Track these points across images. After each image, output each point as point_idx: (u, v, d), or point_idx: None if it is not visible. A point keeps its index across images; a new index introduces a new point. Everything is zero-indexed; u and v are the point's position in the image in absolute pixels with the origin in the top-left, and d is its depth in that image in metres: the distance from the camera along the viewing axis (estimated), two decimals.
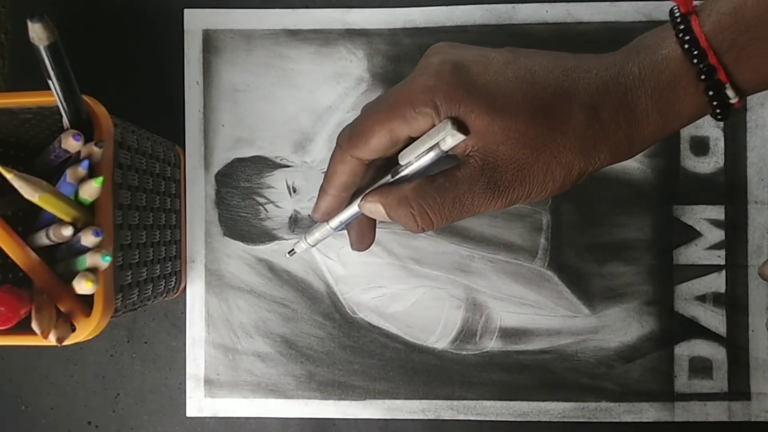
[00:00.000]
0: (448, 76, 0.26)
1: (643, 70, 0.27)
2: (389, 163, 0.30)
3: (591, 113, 0.26)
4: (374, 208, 0.29)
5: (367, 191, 0.29)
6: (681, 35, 0.26)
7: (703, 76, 0.26)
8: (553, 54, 0.28)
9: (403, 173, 0.28)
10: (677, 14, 0.26)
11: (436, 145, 0.26)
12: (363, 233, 0.33)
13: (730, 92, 0.26)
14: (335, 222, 0.31)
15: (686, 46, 0.26)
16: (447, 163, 0.28)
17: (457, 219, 0.28)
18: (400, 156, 0.28)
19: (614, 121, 0.26)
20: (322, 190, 0.31)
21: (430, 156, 0.27)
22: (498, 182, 0.27)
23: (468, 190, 0.27)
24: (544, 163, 0.27)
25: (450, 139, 0.26)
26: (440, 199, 0.27)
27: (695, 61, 0.25)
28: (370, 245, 0.34)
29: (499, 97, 0.26)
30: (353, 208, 0.30)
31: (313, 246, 0.34)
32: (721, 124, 0.48)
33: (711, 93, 0.26)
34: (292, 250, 0.34)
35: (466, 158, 0.27)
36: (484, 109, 0.26)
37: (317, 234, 0.32)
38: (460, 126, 0.26)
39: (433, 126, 0.27)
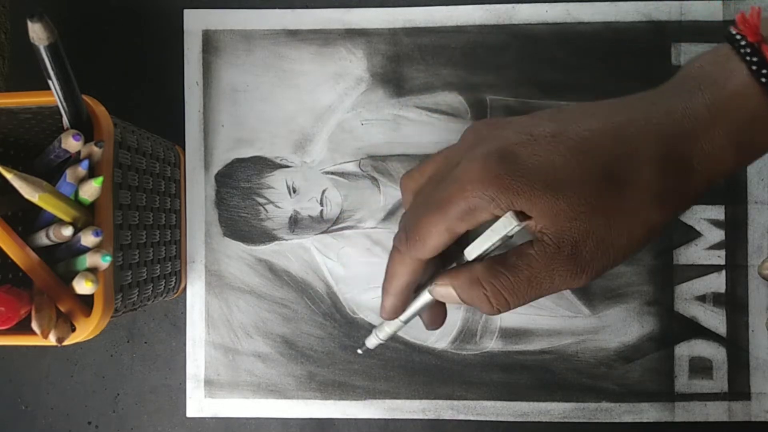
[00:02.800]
0: (497, 168, 0.25)
1: (714, 110, 0.25)
2: (447, 251, 0.29)
3: (660, 166, 0.25)
4: (445, 291, 0.28)
5: (437, 276, 0.28)
6: (755, 67, 0.24)
7: None
8: (600, 110, 0.26)
9: (467, 256, 0.27)
10: (743, 43, 0.25)
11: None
12: (436, 314, 0.32)
13: None
14: (405, 317, 0.31)
15: (764, 79, 0.24)
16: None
17: (536, 298, 0.27)
18: (466, 252, 0.27)
19: (687, 170, 0.25)
20: (385, 291, 0.30)
21: (493, 241, 0.26)
22: (578, 258, 0.25)
23: (545, 268, 0.25)
24: (623, 229, 0.25)
25: (511, 225, 0.25)
26: (514, 279, 0.26)
27: None
28: (444, 323, 0.33)
29: (556, 176, 0.24)
30: (423, 299, 0.29)
31: (384, 341, 0.33)
32: None
33: None
34: (364, 346, 0.34)
35: (539, 234, 0.25)
36: (544, 190, 0.24)
37: (388, 329, 0.32)
38: (523, 216, 0.25)
39: (493, 217, 0.25)
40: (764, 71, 0.24)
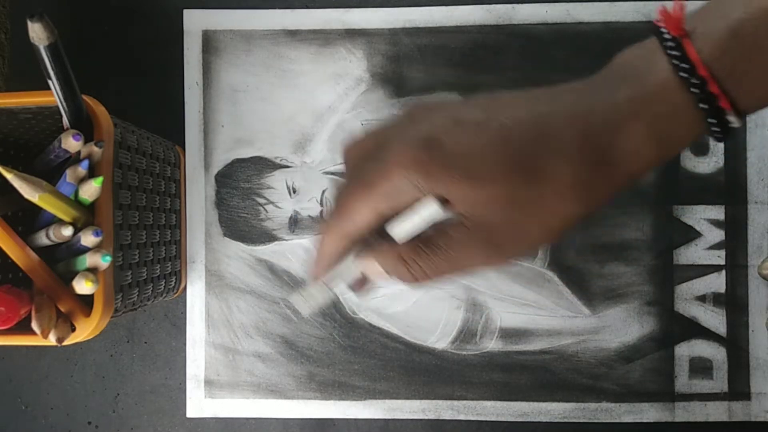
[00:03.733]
0: (421, 154, 0.26)
1: (634, 104, 0.25)
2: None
3: (578, 160, 0.25)
4: (371, 267, 0.29)
5: (362, 249, 0.30)
6: (676, 62, 0.24)
7: (703, 105, 0.24)
8: (527, 99, 0.27)
9: (391, 234, 0.29)
10: (667, 36, 0.25)
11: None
12: (362, 281, 0.33)
13: (731, 117, 0.24)
14: (332, 283, 0.31)
15: (683, 74, 0.24)
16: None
17: (455, 276, 0.28)
18: (388, 229, 0.28)
19: (606, 162, 0.25)
20: (314, 260, 0.31)
21: (419, 227, 0.27)
22: (493, 241, 0.26)
23: (461, 249, 0.27)
24: (538, 219, 0.26)
25: (436, 215, 0.26)
26: (434, 257, 0.27)
27: (694, 90, 0.24)
28: (370, 289, 0.34)
29: (476, 164, 0.25)
30: (344, 265, 0.31)
31: (314, 308, 0.34)
32: None
33: (712, 120, 0.24)
34: (299, 313, 0.34)
35: (458, 217, 0.26)
36: (463, 179, 0.25)
37: (317, 294, 0.32)
38: (444, 200, 0.26)
39: (416, 200, 0.27)
40: (684, 66, 0.24)
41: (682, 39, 0.24)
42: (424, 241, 0.28)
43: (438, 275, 0.28)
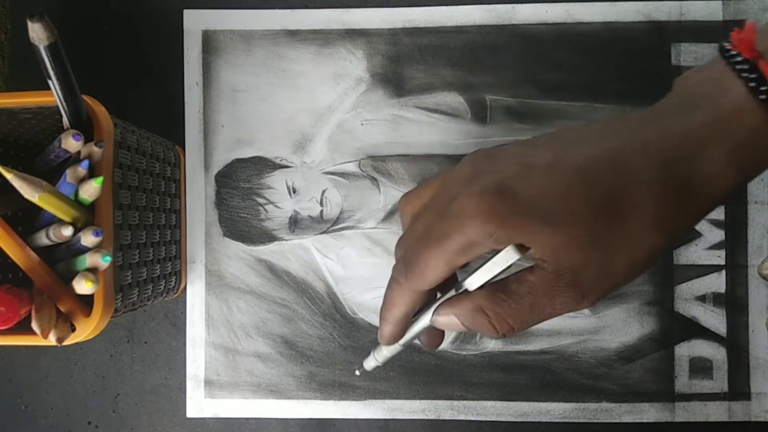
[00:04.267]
0: (495, 204, 0.25)
1: (711, 130, 0.24)
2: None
3: (659, 192, 0.24)
4: (448, 320, 0.29)
5: (438, 304, 0.29)
6: (753, 84, 0.24)
7: None
8: (595, 135, 0.26)
9: (467, 287, 0.28)
10: (739, 59, 0.24)
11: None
12: (435, 336, 0.33)
13: None
14: (404, 341, 0.31)
15: (762, 96, 0.23)
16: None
17: (539, 322, 0.27)
18: (467, 284, 0.28)
19: (688, 191, 0.24)
20: (384, 319, 0.30)
21: (495, 275, 0.27)
22: (579, 283, 0.25)
23: (545, 295, 0.26)
24: (624, 255, 0.25)
25: (512, 258, 0.26)
26: (516, 305, 0.26)
27: None
28: (441, 343, 0.33)
29: (554, 208, 0.24)
30: (421, 325, 0.30)
31: (381, 364, 0.34)
32: None
33: None
34: (362, 368, 0.34)
35: (539, 262, 0.25)
36: (542, 224, 0.24)
37: (387, 353, 0.32)
38: (523, 247, 0.25)
39: (492, 250, 0.26)
40: (763, 88, 0.24)
41: (758, 61, 0.24)
42: (502, 289, 0.27)
43: (521, 325, 0.27)
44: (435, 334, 0.32)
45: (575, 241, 0.24)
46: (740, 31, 0.25)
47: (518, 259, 0.25)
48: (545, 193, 0.25)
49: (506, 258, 0.26)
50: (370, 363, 0.33)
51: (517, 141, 0.28)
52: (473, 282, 0.27)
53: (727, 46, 0.25)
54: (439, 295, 0.30)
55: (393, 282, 0.29)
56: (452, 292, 0.28)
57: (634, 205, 0.24)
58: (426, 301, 0.30)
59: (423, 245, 0.27)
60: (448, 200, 0.27)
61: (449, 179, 0.28)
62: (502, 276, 0.27)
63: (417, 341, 0.32)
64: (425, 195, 0.29)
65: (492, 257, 0.26)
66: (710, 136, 0.24)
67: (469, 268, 0.28)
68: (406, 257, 0.28)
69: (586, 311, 0.49)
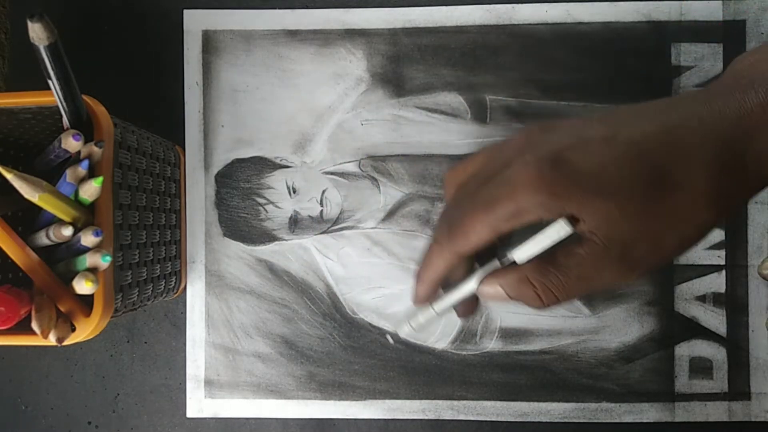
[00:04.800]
0: (550, 174, 0.25)
1: (766, 111, 0.24)
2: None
3: (714, 169, 0.25)
4: (494, 290, 0.29)
5: (483, 273, 0.29)
6: None
7: None
8: (651, 111, 0.26)
9: (515, 258, 0.28)
10: None
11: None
12: (470, 305, 0.33)
13: None
14: (440, 307, 0.31)
15: None
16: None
17: (585, 294, 0.27)
18: (516, 256, 0.28)
19: (741, 168, 0.25)
20: (420, 279, 0.31)
21: (545, 248, 0.27)
22: (628, 256, 0.26)
23: (593, 267, 0.26)
24: (675, 230, 0.25)
25: (564, 234, 0.26)
26: (564, 278, 0.26)
27: None
28: (476, 310, 0.34)
29: (609, 180, 0.25)
30: (464, 291, 0.30)
31: (416, 330, 0.33)
32: None
33: None
34: (396, 335, 0.34)
35: (589, 235, 0.26)
36: (596, 196, 0.25)
37: (421, 318, 0.32)
38: (574, 219, 0.25)
39: (541, 219, 0.26)
40: None
41: None
42: (550, 261, 0.27)
43: (568, 297, 0.27)
44: (471, 303, 0.32)
45: (627, 213, 0.25)
46: None
47: (567, 230, 0.25)
48: (600, 165, 0.25)
49: (558, 230, 0.26)
50: (405, 329, 0.33)
51: (575, 118, 0.28)
52: (521, 254, 0.27)
53: None
54: (477, 265, 0.30)
55: (434, 242, 0.29)
56: (496, 263, 0.28)
57: (688, 180, 0.25)
58: (464, 267, 0.30)
59: (469, 208, 0.27)
60: (500, 167, 0.27)
61: (501, 149, 0.28)
62: (548, 250, 0.27)
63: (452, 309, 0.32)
64: (471, 167, 0.29)
65: (541, 230, 0.26)
66: (764, 116, 0.25)
67: (509, 240, 0.28)
68: (451, 219, 0.28)
69: (586, 311, 0.49)
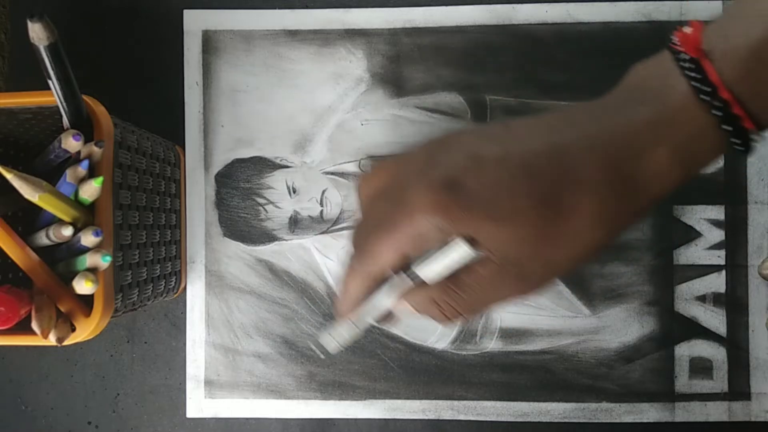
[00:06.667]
0: (444, 198, 0.25)
1: (655, 128, 0.25)
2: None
3: (602, 191, 0.25)
4: (405, 308, 0.30)
5: (394, 293, 0.30)
6: (696, 84, 0.24)
7: (726, 126, 0.24)
8: (544, 129, 0.27)
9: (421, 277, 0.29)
10: (685, 57, 0.24)
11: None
12: (389, 318, 0.33)
13: (755, 135, 0.24)
14: (362, 325, 0.32)
15: (704, 96, 0.24)
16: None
17: (488, 310, 0.28)
18: (417, 271, 0.29)
19: (630, 189, 0.25)
20: (341, 299, 0.31)
21: (450, 269, 0.27)
22: (524, 275, 0.26)
23: (492, 286, 0.27)
24: (566, 249, 0.26)
25: (466, 256, 0.26)
26: (466, 296, 0.27)
27: (716, 112, 0.24)
28: (397, 321, 0.34)
29: (500, 203, 0.25)
30: (378, 308, 0.31)
31: (342, 346, 0.34)
32: None
33: (735, 140, 0.24)
34: (325, 350, 0.35)
35: (486, 255, 0.26)
36: (488, 219, 0.25)
37: (346, 335, 0.33)
38: (473, 240, 0.26)
39: (442, 241, 0.27)
40: (705, 89, 0.24)
41: (702, 60, 0.24)
42: (453, 280, 0.27)
43: (470, 313, 0.28)
44: (390, 316, 0.33)
45: (519, 236, 0.25)
46: (687, 28, 0.25)
47: (468, 252, 0.26)
48: (492, 188, 0.25)
49: (454, 249, 0.26)
50: (331, 345, 0.34)
51: (471, 128, 0.28)
52: (428, 274, 0.28)
53: (674, 45, 0.25)
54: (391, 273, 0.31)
55: (348, 267, 0.30)
56: (407, 281, 0.29)
57: (578, 202, 0.25)
58: (381, 282, 0.30)
59: (374, 232, 0.28)
60: (401, 189, 0.27)
61: (404, 166, 0.29)
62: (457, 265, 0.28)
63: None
64: (382, 178, 0.30)
65: (445, 249, 0.27)
66: (654, 135, 0.25)
67: (425, 253, 0.29)
68: (359, 242, 0.29)
69: (586, 311, 0.49)
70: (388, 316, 0.32)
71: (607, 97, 0.27)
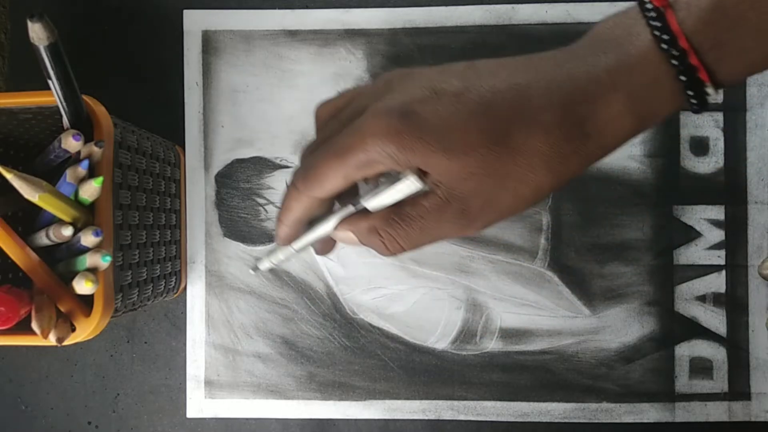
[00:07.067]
0: (397, 126, 0.25)
1: (614, 75, 0.25)
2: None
3: (554, 132, 0.25)
4: (346, 236, 0.30)
5: (336, 219, 0.30)
6: (657, 33, 0.24)
7: (682, 77, 0.24)
8: (506, 68, 0.27)
9: (367, 207, 0.29)
10: (650, 7, 0.25)
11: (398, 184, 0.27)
12: (327, 244, 0.34)
13: (710, 89, 0.24)
14: (299, 246, 0.32)
15: (664, 45, 0.24)
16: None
17: (427, 244, 0.28)
18: (363, 199, 0.28)
19: (582, 135, 0.25)
20: (280, 221, 0.31)
21: (395, 199, 0.27)
22: (466, 212, 0.26)
23: (435, 220, 0.27)
24: (511, 189, 0.26)
25: (413, 187, 0.26)
26: (408, 227, 0.27)
27: (674, 61, 0.24)
28: (333, 250, 0.34)
29: (453, 136, 0.25)
30: (319, 233, 0.31)
31: (276, 265, 0.34)
32: (721, 124, 0.48)
33: (690, 92, 0.24)
34: (256, 267, 0.35)
35: (433, 187, 0.26)
36: (440, 151, 0.25)
37: (281, 255, 0.33)
38: (421, 172, 0.26)
39: (390, 170, 0.27)
40: (665, 37, 0.24)
41: (665, 10, 0.24)
42: (396, 212, 0.27)
43: (411, 246, 0.28)
44: (328, 243, 0.33)
45: (468, 171, 0.25)
46: None
47: (415, 184, 0.26)
48: (447, 120, 0.25)
49: (407, 185, 0.26)
50: (265, 264, 0.34)
51: (437, 66, 0.28)
52: (373, 204, 0.28)
53: None
54: (337, 204, 0.30)
55: (291, 186, 0.30)
56: (351, 208, 0.29)
57: (527, 141, 0.25)
58: (323, 208, 0.30)
59: (323, 155, 0.27)
60: (356, 113, 0.27)
61: (362, 92, 0.29)
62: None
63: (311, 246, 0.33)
64: (340, 104, 0.30)
65: (392, 180, 0.27)
66: (611, 82, 0.25)
67: (371, 181, 0.28)
68: (307, 164, 0.28)
69: (586, 311, 0.49)
70: (327, 242, 0.32)
71: (574, 46, 0.27)
